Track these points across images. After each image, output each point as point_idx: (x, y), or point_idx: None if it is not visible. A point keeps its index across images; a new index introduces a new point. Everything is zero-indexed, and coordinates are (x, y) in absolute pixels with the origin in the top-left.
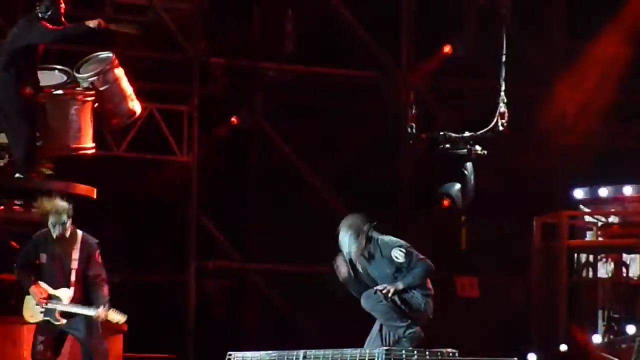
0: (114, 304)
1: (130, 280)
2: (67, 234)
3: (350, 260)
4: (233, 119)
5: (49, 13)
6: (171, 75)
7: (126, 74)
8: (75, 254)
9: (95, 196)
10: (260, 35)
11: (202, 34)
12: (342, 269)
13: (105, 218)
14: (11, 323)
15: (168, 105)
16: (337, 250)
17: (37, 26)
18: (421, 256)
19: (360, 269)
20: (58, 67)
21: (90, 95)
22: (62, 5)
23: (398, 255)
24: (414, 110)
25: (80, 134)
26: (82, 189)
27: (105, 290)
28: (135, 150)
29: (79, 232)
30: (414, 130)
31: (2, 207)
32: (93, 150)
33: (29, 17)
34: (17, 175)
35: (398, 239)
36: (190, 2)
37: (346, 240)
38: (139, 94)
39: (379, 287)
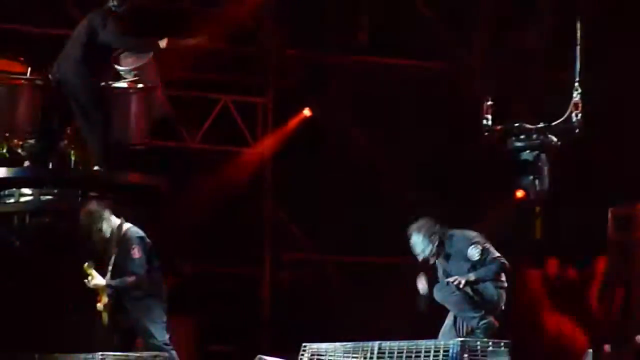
0: (189, 294)
1: (205, 272)
2: (107, 235)
3: (427, 259)
4: (307, 110)
5: (122, 7)
6: (246, 67)
7: (202, 66)
8: (115, 250)
9: (165, 186)
10: (334, 26)
11: (276, 26)
12: (422, 285)
13: (179, 210)
14: None
15: (243, 97)
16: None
17: (110, 26)
18: (496, 254)
19: (440, 271)
20: None
21: (150, 90)
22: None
23: (474, 253)
24: (489, 102)
25: (139, 127)
26: (153, 179)
27: (124, 280)
28: (209, 142)
29: (124, 227)
30: (489, 122)
31: None
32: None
33: (101, 12)
34: (95, 167)
35: (473, 234)
36: None
37: (420, 243)
38: (213, 86)
39: (451, 279)
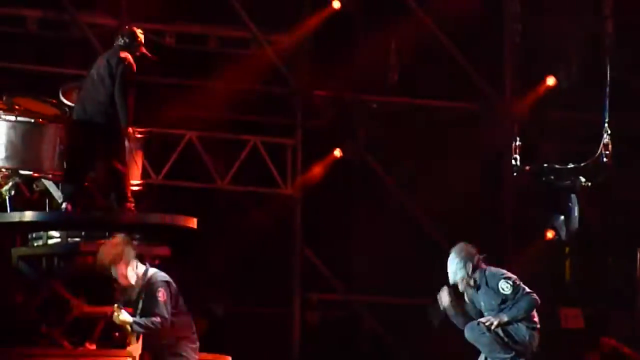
0: (219, 335)
1: (234, 312)
2: (132, 281)
3: (455, 287)
4: (337, 151)
5: (130, 47)
6: (275, 108)
7: (232, 107)
8: (142, 295)
9: (196, 227)
10: (363, 67)
11: (305, 66)
12: (445, 298)
13: (209, 251)
14: (115, 356)
15: (272, 138)
16: (439, 282)
17: (120, 73)
18: (527, 290)
19: (466, 298)
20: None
21: (143, 133)
22: (141, 37)
23: (505, 287)
24: (517, 142)
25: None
26: (184, 220)
27: (150, 319)
28: (238, 184)
29: (149, 273)
30: (517, 162)
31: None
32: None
33: (112, 54)
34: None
35: (505, 271)
36: (294, 35)
37: (454, 266)
38: (243, 127)
39: (483, 320)
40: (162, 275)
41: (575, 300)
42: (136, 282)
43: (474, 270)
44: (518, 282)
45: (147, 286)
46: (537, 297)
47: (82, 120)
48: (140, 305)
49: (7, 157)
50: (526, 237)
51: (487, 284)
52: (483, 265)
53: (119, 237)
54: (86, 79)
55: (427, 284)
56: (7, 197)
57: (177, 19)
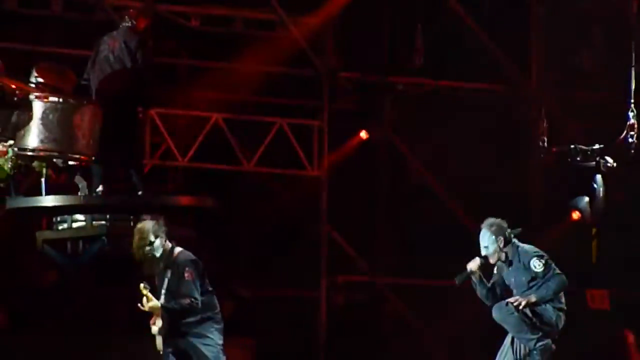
0: (246, 318)
1: (261, 295)
2: (157, 254)
3: (486, 258)
4: (362, 133)
5: (142, 25)
6: (301, 90)
7: (257, 89)
8: (167, 273)
9: (216, 206)
10: (389, 49)
11: (331, 48)
12: (473, 263)
13: (235, 233)
14: None
15: (298, 120)
16: (464, 263)
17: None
18: (558, 270)
19: (495, 272)
20: None
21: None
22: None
23: (536, 264)
24: (544, 124)
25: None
26: (207, 202)
27: (179, 302)
28: (265, 165)
29: (175, 251)
30: (544, 144)
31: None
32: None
33: (128, 36)
34: (139, 192)
35: (538, 249)
36: (320, 17)
37: (486, 239)
38: (269, 109)
39: (511, 300)
40: (188, 254)
41: (602, 282)
42: (161, 255)
43: (505, 244)
44: (550, 262)
45: (173, 265)
46: (565, 278)
47: (105, 102)
48: (165, 283)
49: (43, 139)
50: (552, 218)
51: (519, 259)
52: (515, 241)
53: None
54: (97, 62)
55: (452, 266)
56: (42, 180)
57: (203, 1)
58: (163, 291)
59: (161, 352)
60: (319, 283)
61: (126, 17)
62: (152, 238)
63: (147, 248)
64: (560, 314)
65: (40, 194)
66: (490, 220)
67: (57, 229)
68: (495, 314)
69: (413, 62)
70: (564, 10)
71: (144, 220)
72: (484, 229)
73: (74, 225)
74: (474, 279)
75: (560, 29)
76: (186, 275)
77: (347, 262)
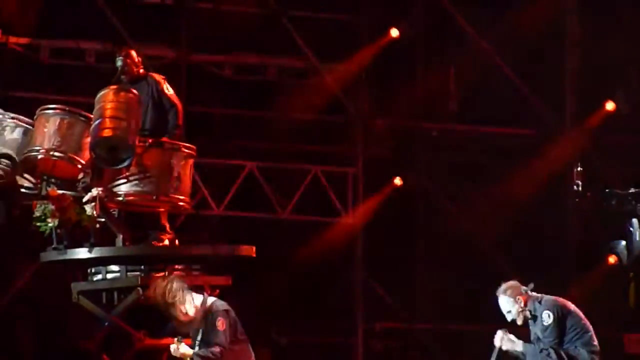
0: None
1: (298, 342)
2: (191, 313)
3: (514, 321)
4: (397, 180)
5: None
6: (335, 137)
7: (291, 136)
8: (199, 335)
9: (255, 255)
10: (423, 95)
11: (365, 95)
12: (497, 338)
13: (272, 281)
14: None
15: (333, 167)
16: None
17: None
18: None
19: (532, 335)
20: None
21: (191, 150)
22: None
23: (545, 317)
24: (579, 168)
25: (179, 185)
26: (244, 250)
27: (210, 350)
28: (300, 213)
29: (208, 302)
30: (579, 188)
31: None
32: (188, 206)
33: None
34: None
35: (556, 302)
36: (353, 64)
37: (505, 304)
38: (303, 156)
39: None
40: (221, 304)
41: None
42: (195, 314)
43: (525, 303)
44: (555, 326)
45: (206, 315)
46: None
47: None
48: (200, 336)
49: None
50: (589, 262)
51: (538, 312)
52: (535, 295)
53: (167, 277)
54: None
55: (490, 311)
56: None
57: (235, 49)
58: (197, 342)
59: None
60: (356, 330)
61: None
62: (177, 301)
63: (174, 312)
64: (594, 356)
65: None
66: (503, 286)
67: (92, 280)
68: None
69: (447, 107)
70: (599, 53)
71: (156, 287)
72: (500, 295)
73: (109, 276)
74: (507, 349)
75: (596, 72)
76: (218, 324)
77: (384, 310)
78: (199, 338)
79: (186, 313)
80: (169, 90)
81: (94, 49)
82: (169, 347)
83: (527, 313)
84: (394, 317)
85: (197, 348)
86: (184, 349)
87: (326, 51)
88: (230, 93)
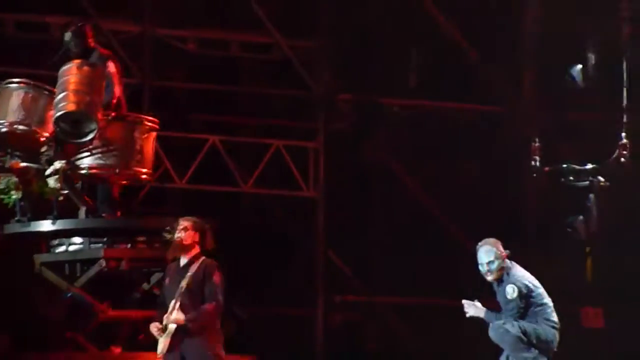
0: (243, 338)
1: (258, 315)
2: (188, 242)
3: (485, 274)
4: (358, 154)
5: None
6: (297, 112)
7: (253, 110)
8: (184, 281)
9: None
10: (384, 70)
11: (327, 71)
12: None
13: (232, 254)
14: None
15: (294, 141)
16: (461, 283)
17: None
18: (516, 314)
19: (498, 296)
20: None
21: (154, 123)
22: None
23: (509, 291)
24: (537, 143)
25: (142, 158)
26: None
27: (203, 308)
28: (261, 186)
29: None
30: (537, 163)
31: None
32: (151, 178)
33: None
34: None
35: (523, 277)
36: (315, 40)
37: (492, 254)
38: (265, 130)
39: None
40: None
41: (597, 300)
42: (190, 245)
43: (501, 268)
44: (521, 301)
45: (200, 265)
46: (509, 334)
47: None
48: (187, 280)
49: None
50: (547, 237)
51: (508, 280)
52: (507, 264)
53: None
54: None
55: (449, 284)
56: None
57: (200, 24)
58: (184, 284)
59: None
60: (316, 303)
61: None
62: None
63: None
64: (555, 332)
65: (45, 217)
66: (489, 239)
67: (55, 252)
68: (492, 333)
69: (408, 83)
70: (557, 30)
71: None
72: (487, 245)
73: (71, 248)
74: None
75: (554, 48)
76: (214, 277)
77: (344, 282)
78: (183, 284)
79: (188, 238)
80: (111, 67)
81: (59, 23)
82: (150, 328)
83: (503, 273)
84: (355, 290)
85: (178, 300)
86: (177, 314)
87: (289, 26)
88: (194, 67)
